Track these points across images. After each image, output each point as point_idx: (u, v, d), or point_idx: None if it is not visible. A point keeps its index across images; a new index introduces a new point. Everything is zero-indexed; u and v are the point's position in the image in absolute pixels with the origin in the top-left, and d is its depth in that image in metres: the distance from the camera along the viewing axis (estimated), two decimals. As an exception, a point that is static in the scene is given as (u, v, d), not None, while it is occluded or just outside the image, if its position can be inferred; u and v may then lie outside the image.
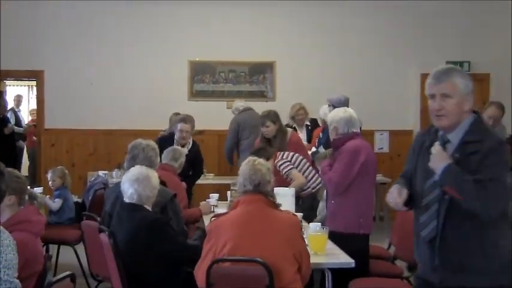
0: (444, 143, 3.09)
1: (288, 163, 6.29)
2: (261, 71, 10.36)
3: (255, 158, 4.06)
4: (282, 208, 3.95)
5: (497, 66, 10.22)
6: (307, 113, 8.78)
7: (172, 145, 6.87)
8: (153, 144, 5.29)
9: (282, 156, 6.34)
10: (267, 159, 5.85)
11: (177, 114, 8.48)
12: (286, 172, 6.25)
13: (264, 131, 6.84)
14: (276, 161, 6.22)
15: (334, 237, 4.85)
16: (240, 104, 8.92)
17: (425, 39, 10.35)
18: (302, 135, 8.58)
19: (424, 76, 10.30)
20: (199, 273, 3.70)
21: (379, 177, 8.59)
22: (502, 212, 2.97)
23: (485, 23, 10.33)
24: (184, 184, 6.44)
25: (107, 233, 4.29)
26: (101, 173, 7.93)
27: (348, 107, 6.96)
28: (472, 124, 3.09)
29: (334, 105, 7.13)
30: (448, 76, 3.10)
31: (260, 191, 3.79)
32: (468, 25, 10.37)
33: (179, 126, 7.35)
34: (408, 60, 10.35)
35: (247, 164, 3.90)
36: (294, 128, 8.67)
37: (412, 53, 10.34)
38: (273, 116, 6.88)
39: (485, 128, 3.12)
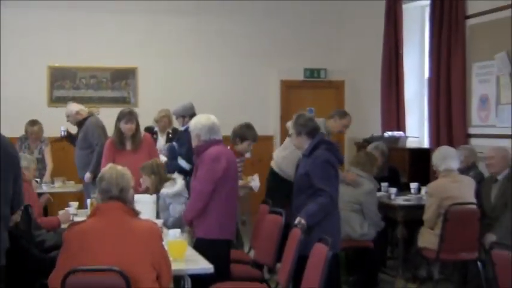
0: None
1: None
2: (123, 76, 10.27)
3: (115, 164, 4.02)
4: (142, 216, 3.94)
5: (351, 73, 10.71)
6: (171, 122, 8.80)
7: None
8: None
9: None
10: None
11: (33, 123, 8.29)
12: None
13: (128, 128, 6.86)
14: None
15: (196, 243, 4.91)
16: (79, 107, 8.31)
17: (285, 47, 10.68)
18: (162, 139, 8.70)
19: (284, 82, 10.72)
20: (54, 283, 3.61)
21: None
22: None
23: (341, 32, 10.79)
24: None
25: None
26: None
27: (194, 111, 7.07)
28: None
29: (183, 115, 7.20)
30: None
31: (120, 198, 3.76)
32: (325, 34, 10.79)
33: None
34: (269, 67, 10.62)
35: (111, 169, 3.86)
36: (156, 132, 8.72)
37: (273, 60, 10.63)
38: (136, 114, 7.01)
39: None
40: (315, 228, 5.00)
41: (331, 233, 4.68)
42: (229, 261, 5.29)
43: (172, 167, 6.75)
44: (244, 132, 6.54)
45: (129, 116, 6.90)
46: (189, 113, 7.12)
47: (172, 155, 7.04)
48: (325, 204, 5.11)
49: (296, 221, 5.00)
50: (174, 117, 8.02)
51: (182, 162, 6.82)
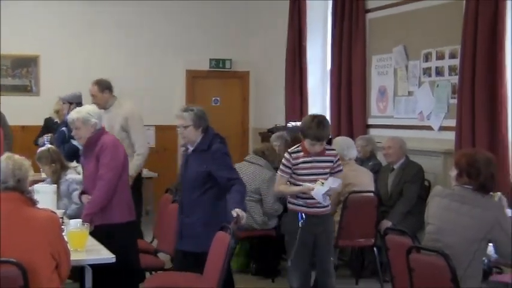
0: None
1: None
2: (25, 64, 10.02)
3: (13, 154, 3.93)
4: (40, 206, 3.88)
5: (256, 64, 10.84)
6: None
7: None
8: None
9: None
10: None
11: None
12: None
13: None
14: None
15: (107, 229, 4.91)
16: None
17: (190, 37, 10.68)
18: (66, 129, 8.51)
19: (189, 72, 10.73)
20: None
21: (145, 172, 8.71)
22: None
23: (246, 23, 10.89)
24: None
25: None
26: None
27: (81, 101, 7.00)
28: None
29: (71, 102, 7.10)
30: None
31: (18, 188, 3.70)
32: (231, 25, 10.87)
33: None
34: (175, 57, 10.60)
35: (8, 159, 3.77)
36: (56, 123, 8.52)
37: (178, 50, 10.61)
38: None
39: None
40: (212, 222, 4.88)
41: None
42: (137, 250, 5.33)
43: (66, 150, 6.64)
44: (304, 130, 5.14)
45: None
46: (76, 101, 7.04)
47: (63, 139, 6.93)
48: (244, 191, 5.00)
49: (234, 215, 4.71)
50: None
51: (76, 142, 6.67)
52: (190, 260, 4.94)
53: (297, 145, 5.20)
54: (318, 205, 5.08)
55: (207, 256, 4.58)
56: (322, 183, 4.96)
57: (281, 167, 5.19)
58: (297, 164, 5.09)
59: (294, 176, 5.12)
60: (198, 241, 4.87)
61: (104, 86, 6.95)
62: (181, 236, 5.07)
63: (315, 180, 5.01)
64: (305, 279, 5.20)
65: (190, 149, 5.10)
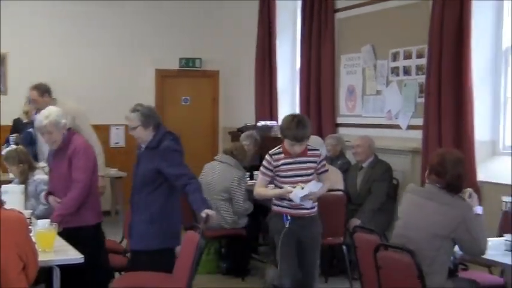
0: None
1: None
2: (-8, 62, 9.89)
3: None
4: (8, 206, 3.85)
5: (226, 63, 10.84)
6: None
7: None
8: None
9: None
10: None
11: None
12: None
13: None
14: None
15: (81, 232, 4.91)
16: None
17: (160, 36, 10.63)
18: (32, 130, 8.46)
19: (158, 71, 10.69)
20: None
21: (115, 172, 8.70)
22: None
23: (216, 22, 10.87)
24: None
25: None
26: None
27: None
28: None
29: None
30: None
31: (-16, 190, 3.68)
32: (200, 24, 10.85)
33: None
34: (143, 56, 10.55)
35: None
36: (27, 123, 8.46)
37: (148, 49, 10.56)
38: None
39: None
40: (160, 220, 4.92)
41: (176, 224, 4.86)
42: (105, 250, 5.37)
43: (33, 152, 6.60)
44: (283, 130, 4.93)
45: None
46: None
47: (30, 140, 6.88)
48: (200, 187, 4.91)
49: (204, 215, 4.67)
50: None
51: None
52: (141, 259, 4.94)
53: (278, 146, 4.98)
54: (303, 207, 4.85)
55: (157, 254, 4.63)
56: (302, 187, 4.75)
57: (261, 168, 4.99)
58: (278, 166, 4.88)
59: (277, 178, 4.93)
60: (146, 239, 4.89)
61: (43, 90, 6.88)
62: (130, 235, 5.07)
63: (297, 182, 4.80)
64: (296, 280, 4.98)
65: (143, 147, 5.07)
